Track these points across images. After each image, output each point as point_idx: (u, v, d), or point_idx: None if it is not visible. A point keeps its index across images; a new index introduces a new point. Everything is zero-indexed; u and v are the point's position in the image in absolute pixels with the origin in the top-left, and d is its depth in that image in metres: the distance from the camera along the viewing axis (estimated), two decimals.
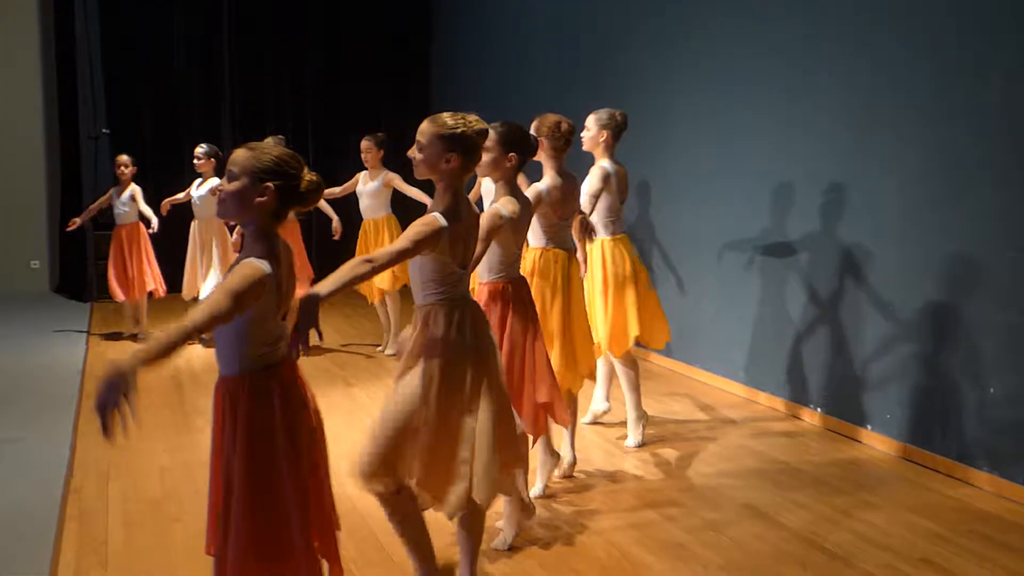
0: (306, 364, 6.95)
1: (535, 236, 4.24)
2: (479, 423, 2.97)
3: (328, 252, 8.90)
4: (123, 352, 7.20)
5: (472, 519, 3.17)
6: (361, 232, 7.27)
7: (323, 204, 7.11)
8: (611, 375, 5.36)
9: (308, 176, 2.48)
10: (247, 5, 10.23)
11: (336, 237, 7.41)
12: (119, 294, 7.66)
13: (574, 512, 4.12)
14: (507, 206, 3.47)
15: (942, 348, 4.59)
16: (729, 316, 6.16)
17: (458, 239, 2.95)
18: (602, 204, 4.88)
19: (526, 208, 3.64)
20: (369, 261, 2.75)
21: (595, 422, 5.41)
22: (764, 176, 5.76)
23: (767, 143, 5.72)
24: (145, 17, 9.84)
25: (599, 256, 4.90)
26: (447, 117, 2.95)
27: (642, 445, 5.02)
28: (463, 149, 2.93)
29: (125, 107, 9.84)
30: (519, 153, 3.58)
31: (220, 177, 7.28)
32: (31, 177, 9.87)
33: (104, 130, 9.68)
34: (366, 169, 7.20)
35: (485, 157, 3.45)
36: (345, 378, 6.31)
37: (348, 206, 7.70)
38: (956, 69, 4.45)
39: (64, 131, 9.72)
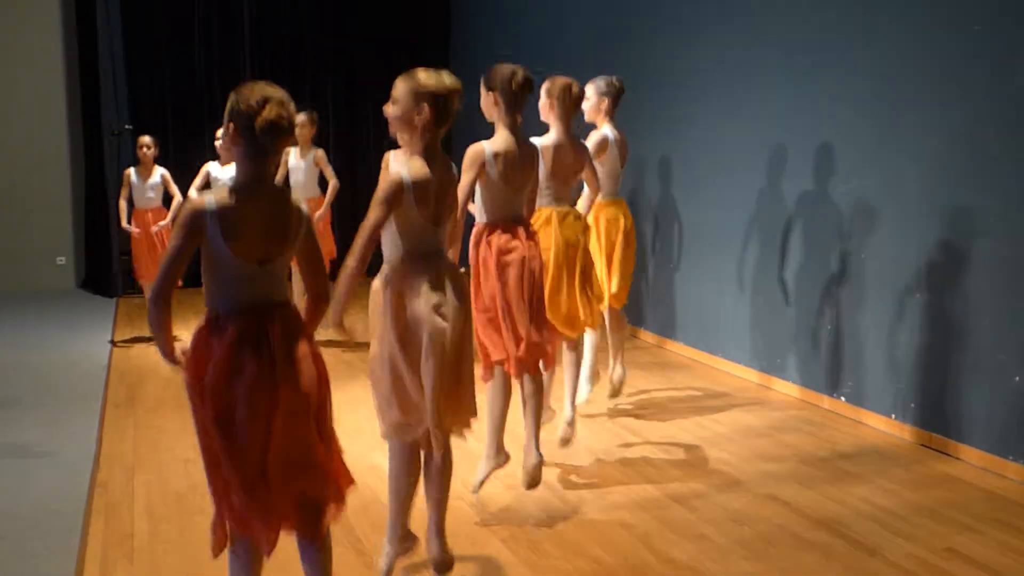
0: (330, 358, 7.02)
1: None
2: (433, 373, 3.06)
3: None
4: (148, 349, 7.28)
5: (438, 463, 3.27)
6: None
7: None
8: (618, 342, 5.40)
9: (264, 115, 2.48)
10: None
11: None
12: (145, 275, 7.42)
13: (590, 497, 4.13)
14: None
15: (964, 335, 4.55)
16: (749, 303, 6.13)
17: (426, 194, 3.01)
18: (602, 168, 5.00)
19: (518, 154, 3.71)
20: (354, 259, 2.95)
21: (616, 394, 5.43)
22: (786, 168, 5.72)
23: (790, 131, 5.68)
24: (166, 11, 9.89)
25: (593, 220, 5.02)
26: (420, 72, 3.03)
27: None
28: (434, 102, 3.00)
29: (148, 103, 9.90)
30: (498, 92, 3.69)
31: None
32: (55, 174, 9.96)
33: (127, 126, 9.74)
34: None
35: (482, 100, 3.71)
36: (365, 370, 6.35)
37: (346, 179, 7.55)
38: (981, 52, 4.40)
39: (87, 127, 9.78)
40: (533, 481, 3.93)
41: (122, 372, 6.54)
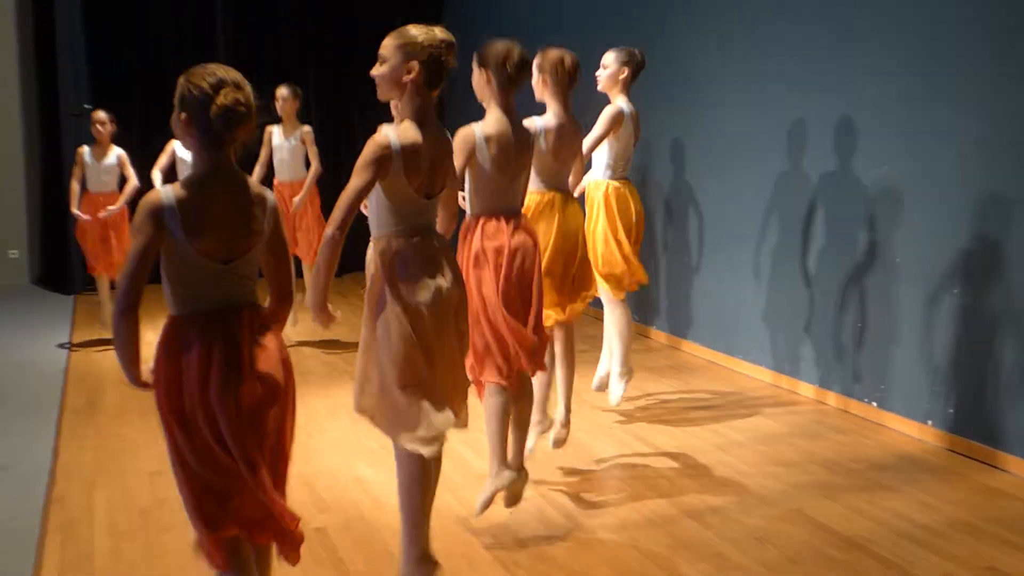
0: (312, 360, 7.10)
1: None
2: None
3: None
4: (110, 352, 7.27)
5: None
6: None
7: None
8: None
9: (219, 101, 2.47)
10: None
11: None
12: (98, 267, 7.33)
13: (596, 512, 4.13)
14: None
15: (1006, 333, 4.55)
16: (770, 299, 6.13)
17: (417, 162, 2.98)
18: (615, 145, 5.03)
19: (512, 138, 3.69)
20: (333, 229, 2.92)
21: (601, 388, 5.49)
22: (811, 151, 5.72)
23: (814, 111, 5.67)
24: None
25: (603, 199, 5.06)
26: (410, 27, 3.02)
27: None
28: (426, 59, 2.98)
29: (110, 80, 9.85)
30: (491, 70, 3.66)
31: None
32: (7, 159, 9.93)
33: (87, 106, 9.69)
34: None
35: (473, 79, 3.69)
36: (349, 372, 6.34)
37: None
38: (1017, 32, 4.39)
39: (42, 107, 9.77)
40: (514, 498, 3.92)
41: (81, 376, 6.53)
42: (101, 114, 7.38)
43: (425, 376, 3.05)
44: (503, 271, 3.68)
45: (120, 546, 3.94)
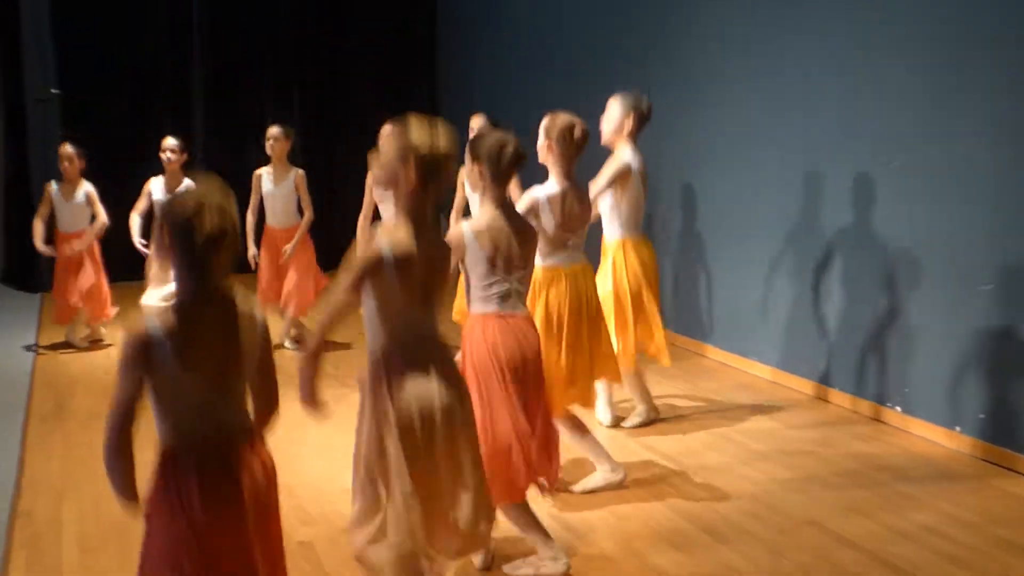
0: (295, 362, 6.99)
1: (539, 253, 4.30)
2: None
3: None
4: (77, 356, 7.27)
5: None
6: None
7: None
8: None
9: (204, 228, 2.47)
10: None
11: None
12: (63, 316, 7.28)
13: (601, 525, 4.12)
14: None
15: None
16: (785, 301, 6.12)
17: (412, 267, 2.99)
18: (622, 204, 5.04)
19: (510, 232, 3.63)
20: (317, 339, 3.03)
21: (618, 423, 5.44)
22: (827, 143, 5.71)
23: (830, 100, 5.66)
24: None
25: (622, 258, 5.09)
26: (412, 125, 3.02)
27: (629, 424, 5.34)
28: (422, 164, 2.99)
29: (79, 63, 9.83)
30: (484, 164, 3.61)
31: (188, 171, 7.14)
32: None
33: (54, 90, 9.70)
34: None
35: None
36: (339, 378, 6.33)
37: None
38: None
39: (7, 92, 9.74)
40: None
41: (48, 380, 6.52)
42: (68, 149, 7.23)
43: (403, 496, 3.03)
44: (518, 374, 3.63)
45: (90, 561, 3.93)
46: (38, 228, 7.18)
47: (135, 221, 7.05)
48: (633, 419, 5.37)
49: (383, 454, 3.02)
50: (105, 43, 9.90)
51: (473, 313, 3.68)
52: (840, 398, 5.71)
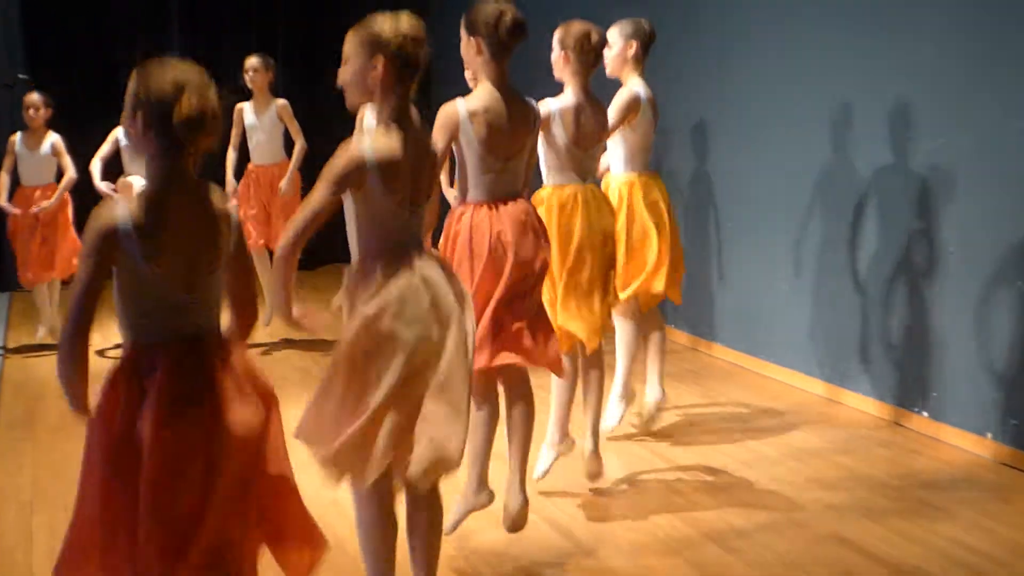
0: (283, 365, 7.06)
1: (545, 169, 4.37)
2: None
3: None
4: (47, 359, 7.26)
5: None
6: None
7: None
8: (656, 351, 5.37)
9: (185, 99, 2.45)
10: None
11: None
12: (30, 278, 7.22)
13: (608, 536, 4.13)
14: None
15: None
16: (806, 298, 6.12)
17: (395, 170, 2.97)
18: (631, 136, 5.01)
19: (506, 113, 3.66)
20: (286, 244, 2.92)
21: (652, 419, 5.38)
22: (852, 120, 5.71)
23: (857, 79, 5.66)
24: None
25: (627, 194, 5.06)
26: (372, 19, 3.01)
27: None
28: (390, 54, 2.98)
29: (48, 47, 9.83)
30: (481, 36, 3.64)
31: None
32: None
33: (21, 75, 9.70)
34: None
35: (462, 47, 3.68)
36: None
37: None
38: None
39: None
40: (516, 526, 3.93)
41: (17, 384, 6.52)
42: (34, 96, 7.20)
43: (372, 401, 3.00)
44: (497, 260, 3.65)
45: None
46: (3, 181, 7.18)
47: (96, 166, 7.02)
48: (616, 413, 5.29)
49: (368, 357, 2.97)
50: (74, 27, 9.86)
51: (466, 200, 3.70)
52: (862, 402, 5.72)
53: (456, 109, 3.62)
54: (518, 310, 3.71)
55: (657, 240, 5.06)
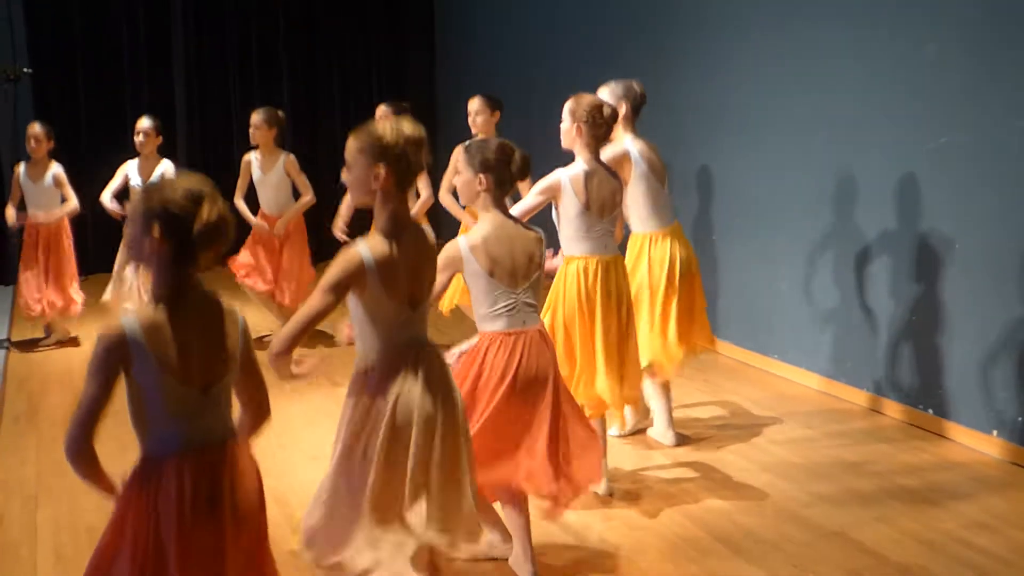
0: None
1: (563, 241, 4.40)
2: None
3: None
4: (51, 354, 7.27)
5: None
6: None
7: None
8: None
9: (204, 213, 2.47)
10: None
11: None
12: (36, 308, 7.18)
13: (614, 538, 4.13)
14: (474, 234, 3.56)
15: None
16: (812, 295, 6.12)
17: (396, 272, 3.03)
18: (636, 191, 4.99)
19: (513, 246, 3.65)
20: (280, 345, 2.96)
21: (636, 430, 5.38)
22: (855, 116, 5.70)
23: (859, 73, 5.66)
24: None
25: (645, 256, 5.05)
26: (372, 126, 3.07)
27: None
28: (392, 160, 3.02)
29: (51, 41, 9.83)
30: (491, 174, 3.61)
31: (170, 157, 7.16)
32: None
33: (25, 69, 9.69)
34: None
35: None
36: (330, 375, 6.34)
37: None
38: None
39: None
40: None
41: (21, 379, 6.53)
42: (36, 128, 7.19)
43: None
44: (526, 396, 3.65)
45: (67, 571, 3.93)
46: (10, 213, 7.19)
47: (107, 199, 7.05)
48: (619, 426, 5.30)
49: (365, 459, 3.05)
50: (80, 16, 9.87)
51: (481, 331, 3.68)
52: (868, 400, 5.71)
53: (457, 249, 3.61)
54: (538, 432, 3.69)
55: (662, 303, 5.03)
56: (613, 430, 5.22)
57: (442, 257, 3.56)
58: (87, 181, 7.76)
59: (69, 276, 7.26)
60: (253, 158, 7.14)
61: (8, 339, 7.50)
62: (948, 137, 5.13)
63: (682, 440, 5.22)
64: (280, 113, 7.15)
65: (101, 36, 9.98)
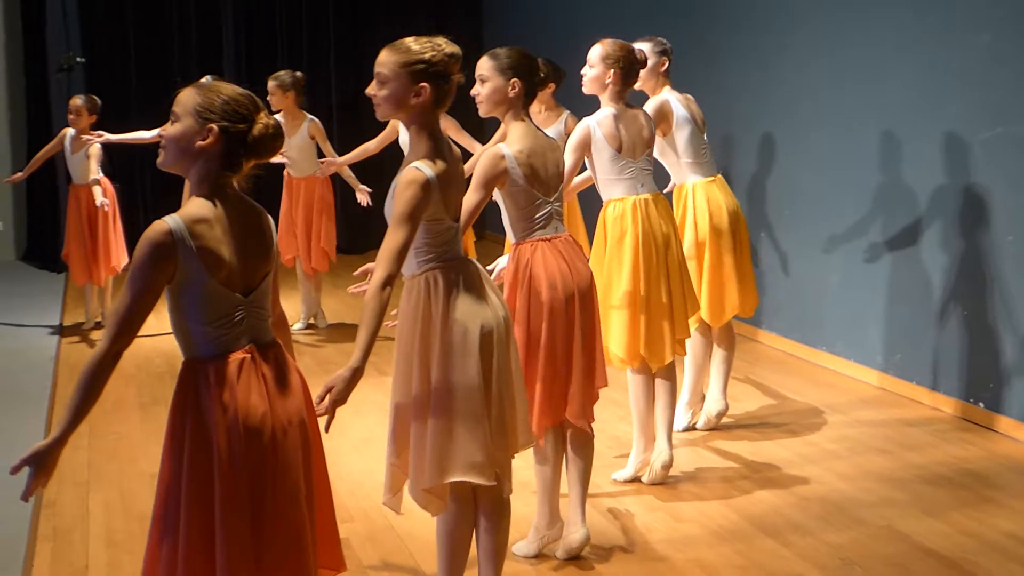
0: (329, 348, 7.10)
1: (600, 185, 4.43)
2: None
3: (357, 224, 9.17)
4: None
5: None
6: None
7: (345, 171, 6.98)
8: (722, 362, 5.31)
9: (263, 120, 2.50)
10: None
11: (365, 204, 6.99)
12: (80, 276, 7.34)
13: (658, 527, 4.13)
14: (513, 145, 3.58)
15: None
16: (861, 285, 6.07)
17: (447, 187, 3.06)
18: (681, 140, 4.98)
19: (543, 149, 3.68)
20: (382, 281, 2.89)
21: (711, 428, 5.31)
22: (909, 101, 5.64)
23: (913, 59, 5.59)
24: None
25: (691, 205, 5.03)
26: (411, 42, 3.04)
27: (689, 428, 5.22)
28: (435, 78, 3.01)
29: (104, 32, 9.94)
30: (523, 79, 3.61)
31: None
32: None
33: (79, 59, 9.80)
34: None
35: (485, 88, 3.62)
36: (378, 365, 6.37)
37: (367, 168, 7.22)
38: None
39: (28, 62, 9.87)
40: (570, 555, 3.91)
41: (73, 365, 6.60)
42: (77, 101, 7.23)
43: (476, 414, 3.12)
44: (555, 304, 3.68)
45: (118, 558, 3.99)
46: (36, 158, 7.51)
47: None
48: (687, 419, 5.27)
49: (446, 372, 3.09)
50: (132, 9, 9.98)
51: (519, 242, 3.72)
52: (917, 393, 5.66)
53: (501, 153, 3.60)
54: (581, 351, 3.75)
55: (709, 255, 5.01)
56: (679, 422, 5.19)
57: (484, 165, 3.57)
58: (138, 167, 7.82)
59: (118, 239, 7.39)
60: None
61: (61, 326, 7.60)
62: (1002, 127, 5.06)
63: (694, 427, 5.25)
64: (298, 74, 7.07)
65: (153, 25, 10.07)
